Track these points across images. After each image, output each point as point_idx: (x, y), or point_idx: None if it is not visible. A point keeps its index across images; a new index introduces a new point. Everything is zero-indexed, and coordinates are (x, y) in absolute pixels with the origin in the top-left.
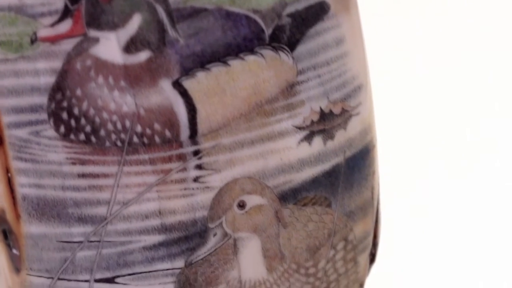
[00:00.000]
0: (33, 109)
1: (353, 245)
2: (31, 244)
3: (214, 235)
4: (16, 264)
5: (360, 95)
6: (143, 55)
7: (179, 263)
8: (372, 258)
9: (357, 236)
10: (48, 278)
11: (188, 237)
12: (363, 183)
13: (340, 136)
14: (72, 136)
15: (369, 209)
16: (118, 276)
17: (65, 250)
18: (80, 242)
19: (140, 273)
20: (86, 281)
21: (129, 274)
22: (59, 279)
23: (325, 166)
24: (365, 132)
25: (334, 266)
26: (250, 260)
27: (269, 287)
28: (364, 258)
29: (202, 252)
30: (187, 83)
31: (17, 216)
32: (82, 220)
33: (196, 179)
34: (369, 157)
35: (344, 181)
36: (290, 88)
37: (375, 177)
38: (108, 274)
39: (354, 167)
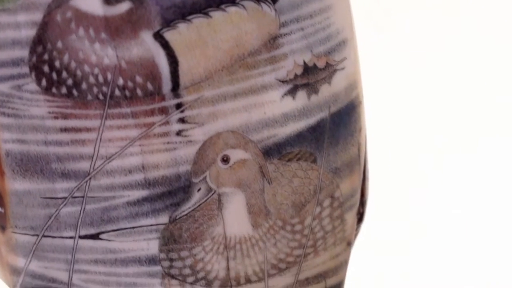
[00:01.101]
0: (15, 62)
1: (339, 203)
2: (15, 201)
3: (198, 190)
4: (2, 222)
5: (344, 50)
6: (123, 6)
7: (163, 218)
8: (360, 217)
9: (344, 193)
10: (33, 235)
11: (172, 192)
12: (349, 140)
13: (325, 91)
14: (54, 90)
15: (355, 166)
16: (102, 232)
17: (49, 206)
18: (64, 198)
19: (125, 229)
20: (70, 237)
21: (114, 230)
22: (44, 236)
23: (310, 120)
24: (350, 87)
25: (320, 224)
26: (235, 216)
27: (254, 243)
28: (351, 216)
29: (186, 207)
30: (169, 35)
31: (1, 173)
32: (65, 175)
33: (179, 133)
34: (355, 113)
35: (330, 137)
36: (272, 41)
37: (362, 134)
38: (92, 230)
39: (339, 122)
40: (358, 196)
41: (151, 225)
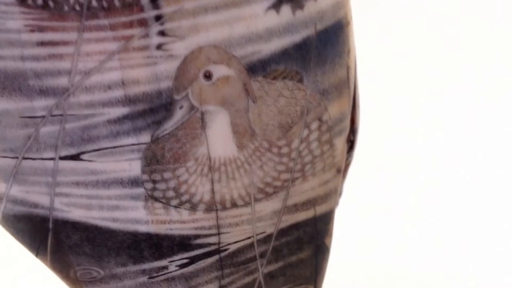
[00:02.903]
0: None
1: (328, 126)
2: None
3: (180, 107)
4: None
5: None
6: None
7: (145, 137)
8: (351, 145)
9: (332, 117)
10: (13, 158)
11: (153, 109)
12: (337, 60)
13: (310, 7)
14: (29, 1)
15: (344, 90)
16: (83, 153)
17: (28, 126)
18: (43, 116)
19: (106, 148)
20: (51, 159)
21: (95, 150)
22: (24, 158)
23: (295, 37)
24: (337, 6)
25: (308, 147)
26: (219, 136)
27: (239, 165)
28: (341, 142)
29: (168, 126)
30: None
31: None
32: (43, 92)
33: (159, 47)
34: (342, 33)
35: (316, 56)
36: None
37: (351, 56)
38: (73, 151)
39: (326, 42)
40: (348, 122)
41: (133, 144)
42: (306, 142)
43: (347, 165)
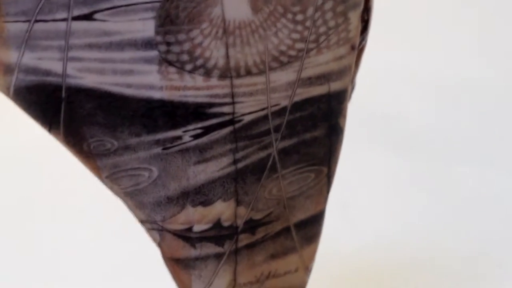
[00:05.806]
0: None
1: None
2: None
3: None
4: None
5: None
6: None
7: None
8: (365, 25)
9: None
10: (25, 21)
11: None
12: None
13: None
14: None
15: None
16: (96, 12)
17: None
18: None
19: (119, 6)
20: (63, 19)
21: (108, 9)
22: (36, 21)
23: None
24: None
25: (323, 17)
26: None
27: (254, 30)
28: (355, 16)
29: None
30: None
31: None
32: None
33: None
34: None
35: None
36: None
37: None
38: (85, 10)
39: None
40: None
41: (146, 2)
42: (320, 11)
43: (361, 50)
